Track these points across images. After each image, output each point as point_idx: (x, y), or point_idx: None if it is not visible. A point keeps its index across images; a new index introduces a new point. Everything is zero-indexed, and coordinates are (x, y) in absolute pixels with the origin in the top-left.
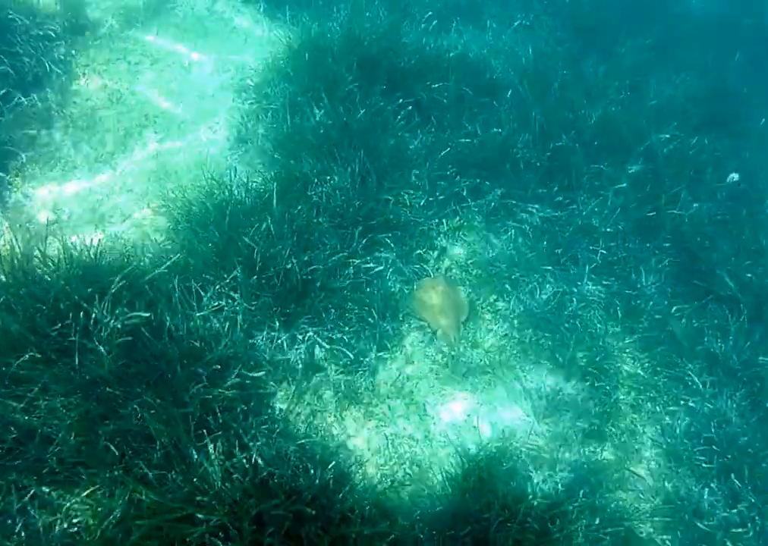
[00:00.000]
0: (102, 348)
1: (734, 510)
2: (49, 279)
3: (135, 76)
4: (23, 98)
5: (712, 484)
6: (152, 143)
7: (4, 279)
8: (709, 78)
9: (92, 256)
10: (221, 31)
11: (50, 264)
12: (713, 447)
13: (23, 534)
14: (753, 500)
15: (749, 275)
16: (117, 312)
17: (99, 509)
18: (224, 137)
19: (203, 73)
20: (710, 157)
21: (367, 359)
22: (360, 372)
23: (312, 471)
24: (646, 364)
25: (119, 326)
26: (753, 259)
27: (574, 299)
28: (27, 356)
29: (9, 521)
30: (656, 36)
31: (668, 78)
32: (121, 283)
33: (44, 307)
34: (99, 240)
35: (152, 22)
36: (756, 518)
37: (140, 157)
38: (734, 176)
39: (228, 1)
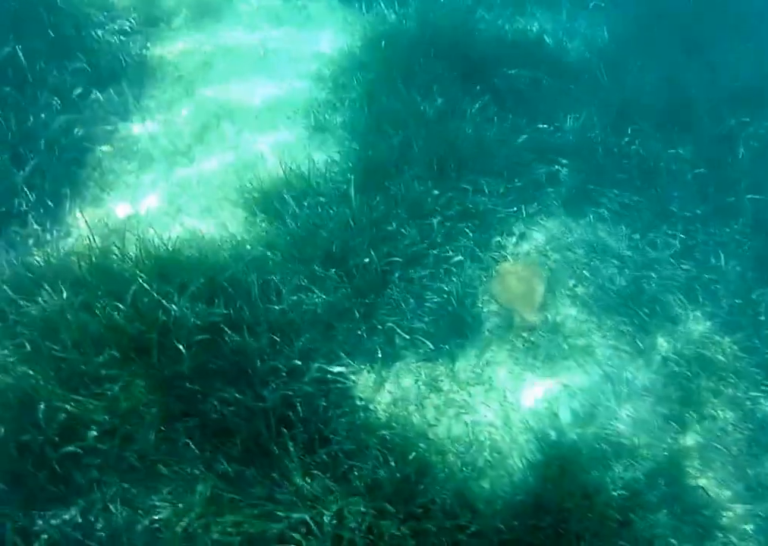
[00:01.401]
0: (181, 346)
1: None
2: (128, 276)
3: (210, 67)
4: (99, 94)
5: None
6: (229, 135)
7: (82, 277)
8: None
9: (171, 251)
10: (295, 19)
11: (128, 260)
12: None
13: (104, 533)
14: None
15: None
16: (196, 309)
17: (180, 505)
18: (301, 127)
19: (278, 62)
20: None
21: (447, 347)
22: (440, 360)
23: (393, 463)
24: (728, 349)
25: (198, 323)
26: None
27: (653, 284)
28: (107, 355)
29: (92, 519)
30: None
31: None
32: (199, 282)
33: (122, 306)
34: (177, 234)
35: (226, 11)
36: None
37: (217, 149)
38: None
39: None
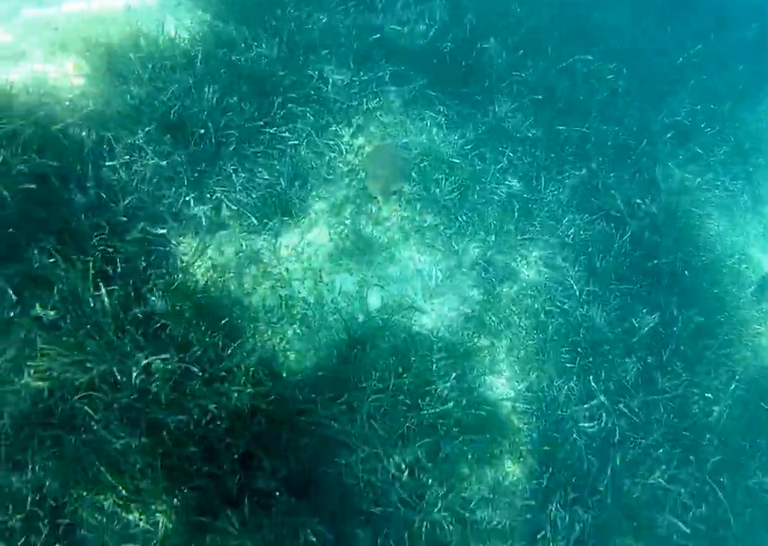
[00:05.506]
0: (6, 192)
1: (586, 406)
2: None
3: None
4: None
5: (571, 382)
6: None
7: None
8: None
9: (8, 94)
10: None
11: None
12: (578, 349)
13: None
14: (603, 400)
15: (638, 201)
16: (25, 156)
17: None
18: None
19: None
20: (626, 81)
21: (271, 223)
22: (264, 235)
23: (203, 327)
24: (533, 263)
25: (26, 170)
26: (645, 188)
27: (476, 195)
28: None
29: None
30: None
31: None
32: (31, 130)
33: None
34: (19, 77)
35: None
36: (603, 415)
37: None
38: None
39: None
